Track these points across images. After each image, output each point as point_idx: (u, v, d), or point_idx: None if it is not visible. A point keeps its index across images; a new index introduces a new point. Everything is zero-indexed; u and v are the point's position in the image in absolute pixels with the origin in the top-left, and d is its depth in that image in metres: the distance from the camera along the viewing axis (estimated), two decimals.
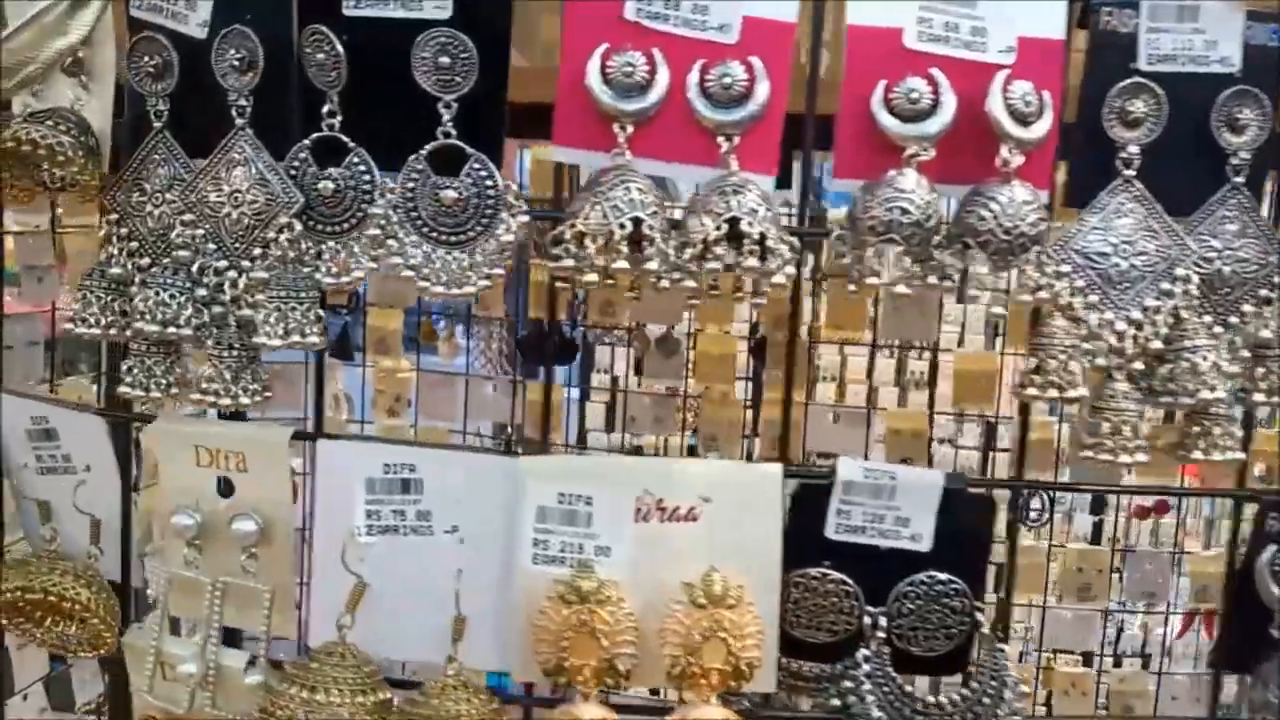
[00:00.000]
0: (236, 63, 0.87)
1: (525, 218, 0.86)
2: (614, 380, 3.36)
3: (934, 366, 2.85)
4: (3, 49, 0.77)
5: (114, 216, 0.93)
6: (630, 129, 0.83)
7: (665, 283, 0.81)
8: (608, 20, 0.83)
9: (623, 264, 0.79)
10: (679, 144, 0.85)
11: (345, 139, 0.87)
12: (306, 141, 0.87)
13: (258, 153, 0.87)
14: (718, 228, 0.79)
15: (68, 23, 0.78)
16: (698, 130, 0.84)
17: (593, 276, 0.80)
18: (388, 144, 0.87)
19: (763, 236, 0.79)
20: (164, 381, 0.92)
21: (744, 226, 0.79)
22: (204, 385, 0.89)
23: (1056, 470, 3.23)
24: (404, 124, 0.86)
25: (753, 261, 0.79)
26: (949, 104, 0.84)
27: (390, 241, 0.87)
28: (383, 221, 0.87)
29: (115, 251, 0.92)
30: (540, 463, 0.89)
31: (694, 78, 0.83)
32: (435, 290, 0.87)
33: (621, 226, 0.79)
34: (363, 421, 2.11)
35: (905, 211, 0.82)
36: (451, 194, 0.85)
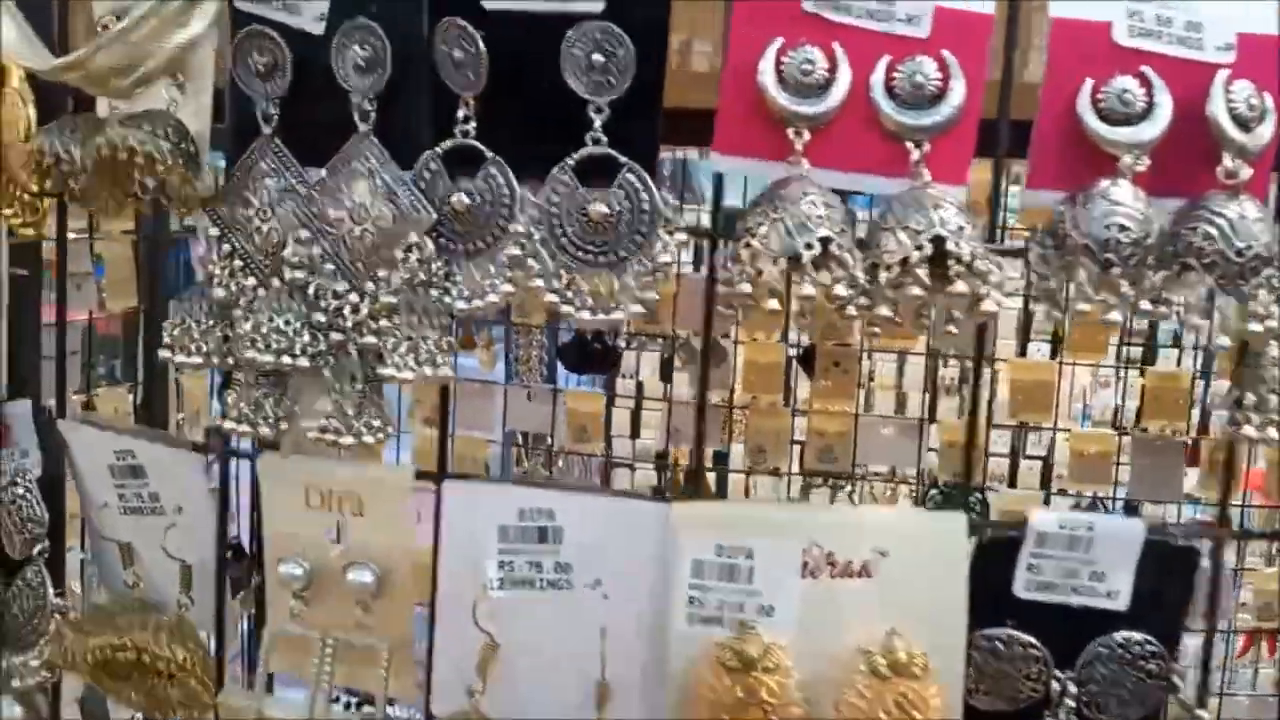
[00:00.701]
0: (360, 62, 0.77)
1: (683, 235, 0.77)
2: (639, 386, 3.27)
3: (992, 377, 2.75)
4: (117, 44, 0.68)
5: (215, 232, 0.84)
6: (807, 134, 0.74)
7: (852, 310, 0.71)
8: (782, 11, 0.74)
9: (810, 290, 0.69)
10: (861, 151, 0.75)
11: (482, 147, 0.77)
12: (438, 150, 0.78)
13: (383, 163, 0.78)
14: (918, 247, 0.69)
15: (190, 12, 0.69)
16: (882, 135, 0.75)
17: (774, 304, 0.70)
18: (529, 153, 0.77)
19: (972, 257, 0.69)
20: (272, 415, 0.83)
21: (950, 246, 0.69)
22: (322, 421, 0.79)
23: (1115, 484, 3.12)
24: (548, 130, 0.77)
25: (962, 286, 0.69)
26: (1164, 106, 0.74)
27: (531, 261, 0.77)
28: (523, 239, 0.77)
29: (218, 271, 0.83)
30: (695, 510, 0.79)
31: (879, 76, 0.74)
32: (581, 316, 0.77)
33: (809, 247, 0.69)
34: (399, 433, 2.02)
35: (1124, 228, 0.72)
36: (602, 209, 0.76)
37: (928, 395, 3.04)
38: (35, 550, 0.98)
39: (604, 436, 3.29)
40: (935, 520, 0.80)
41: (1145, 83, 0.74)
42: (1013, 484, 3.10)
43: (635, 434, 3.42)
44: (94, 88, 0.73)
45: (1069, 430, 3.03)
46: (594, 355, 2.41)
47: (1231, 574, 2.78)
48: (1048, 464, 3.27)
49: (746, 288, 0.70)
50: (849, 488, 3.19)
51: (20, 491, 0.98)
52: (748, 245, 0.71)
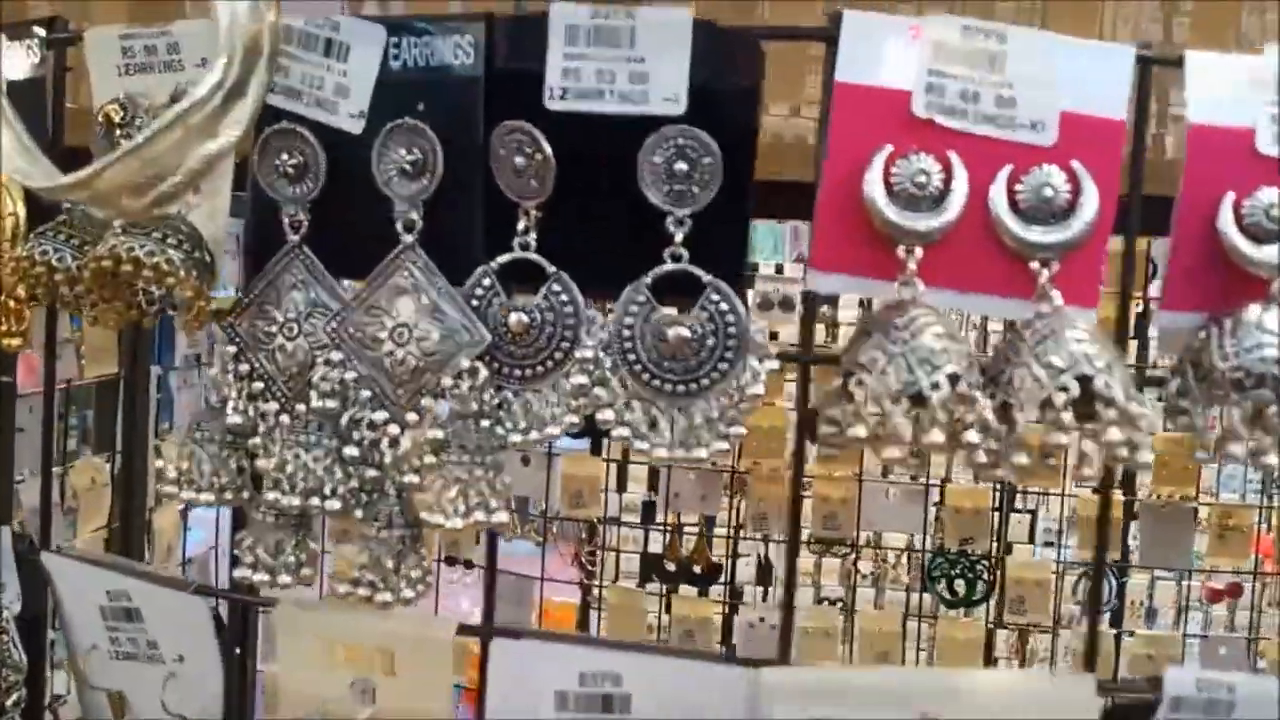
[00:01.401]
0: (408, 165, 0.68)
1: (775, 364, 0.67)
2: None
3: None
4: (132, 159, 0.58)
5: (231, 350, 0.73)
6: (919, 251, 0.65)
7: (982, 456, 0.62)
8: (890, 116, 0.66)
9: (938, 437, 0.60)
10: (979, 270, 0.66)
11: (544, 262, 0.68)
12: (494, 264, 0.69)
13: (430, 277, 0.69)
14: (1061, 388, 0.60)
15: (222, 120, 0.59)
16: (1003, 253, 0.66)
17: (896, 453, 0.60)
18: (598, 268, 0.68)
19: (1126, 399, 0.60)
20: (294, 560, 0.72)
21: (1099, 386, 0.60)
22: (355, 574, 0.69)
23: (1125, 551, 3.05)
24: (621, 243, 0.68)
25: (1117, 434, 0.60)
26: None
27: (599, 390, 0.68)
28: (591, 365, 0.68)
29: (234, 395, 0.73)
30: (788, 677, 0.69)
31: (1000, 188, 0.65)
32: (657, 454, 0.67)
33: (935, 387, 0.60)
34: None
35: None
36: (682, 332, 0.66)
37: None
38: (10, 701, 0.86)
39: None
40: (1060, 686, 0.70)
41: None
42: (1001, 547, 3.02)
43: (622, 488, 3.32)
44: (104, 207, 0.63)
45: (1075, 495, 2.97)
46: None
47: (1246, 642, 2.71)
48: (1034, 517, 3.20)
49: (861, 431, 0.61)
50: (853, 555, 3.10)
51: None
52: (860, 383, 0.61)
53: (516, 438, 0.69)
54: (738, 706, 0.69)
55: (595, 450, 3.18)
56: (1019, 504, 3.10)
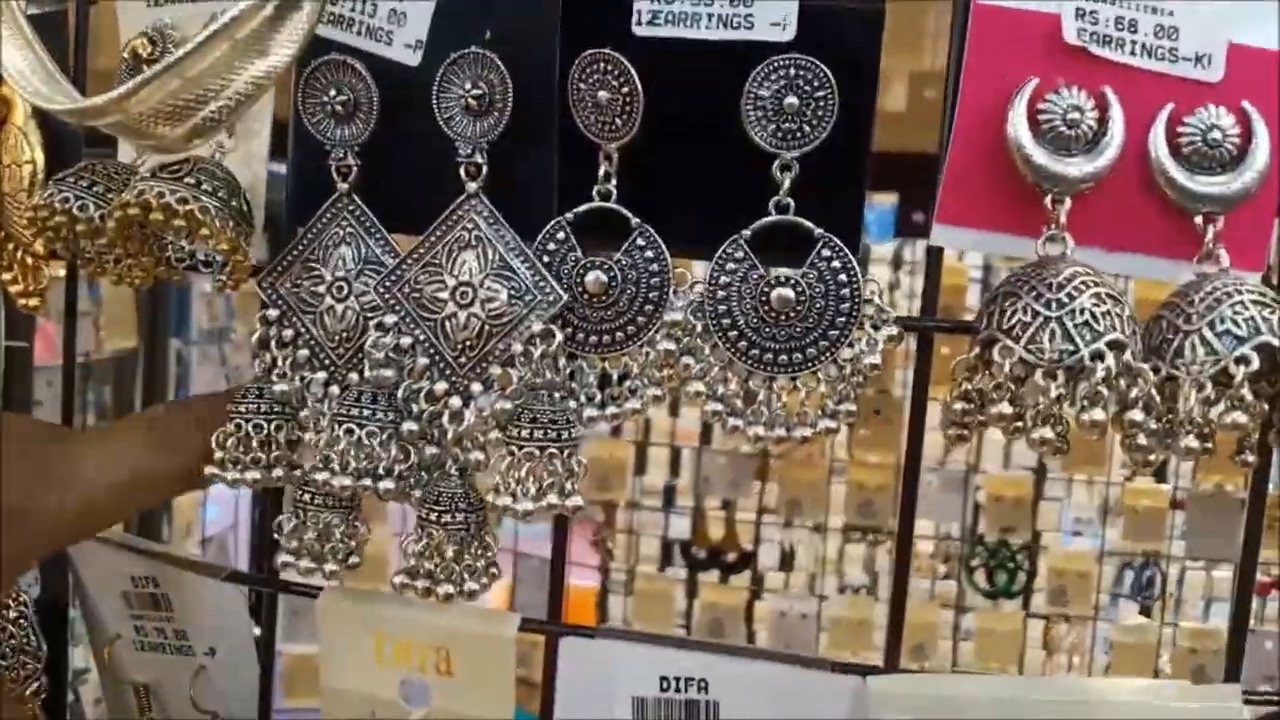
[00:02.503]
0: (473, 101, 0.60)
1: (894, 330, 0.59)
2: (646, 423, 3.10)
3: None
4: (171, 78, 0.50)
5: (274, 313, 0.65)
6: (1068, 201, 0.56)
7: (1144, 439, 0.53)
8: (1033, 43, 0.57)
9: (1100, 415, 0.51)
10: (1134, 224, 0.57)
11: (627, 213, 0.60)
12: (569, 215, 0.60)
13: (497, 230, 0.60)
14: (1240, 359, 0.51)
15: (270, 38, 0.50)
16: (1162, 205, 0.57)
17: (1047, 432, 0.52)
18: (691, 220, 0.60)
19: None
20: (342, 548, 0.64)
21: None
22: (414, 563, 0.61)
23: (1169, 542, 2.95)
24: (718, 191, 0.59)
25: None
26: None
27: (688, 360, 0.60)
28: (680, 331, 0.60)
29: (277, 361, 0.65)
30: (900, 686, 0.61)
31: (1160, 130, 0.57)
32: (754, 433, 0.59)
33: (1098, 357, 0.51)
34: None
35: None
36: (788, 294, 0.58)
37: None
38: (29, 690, 0.79)
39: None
40: (1203, 695, 0.62)
41: None
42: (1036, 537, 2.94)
43: (640, 470, 3.25)
44: (135, 137, 0.55)
45: (1120, 483, 2.87)
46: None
47: None
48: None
49: (1006, 408, 0.52)
50: (888, 544, 3.02)
51: (13, 616, 0.80)
52: (1006, 350, 0.53)
53: (592, 412, 0.61)
54: (837, 715, 0.60)
55: (616, 431, 3.10)
56: (1047, 492, 3.01)
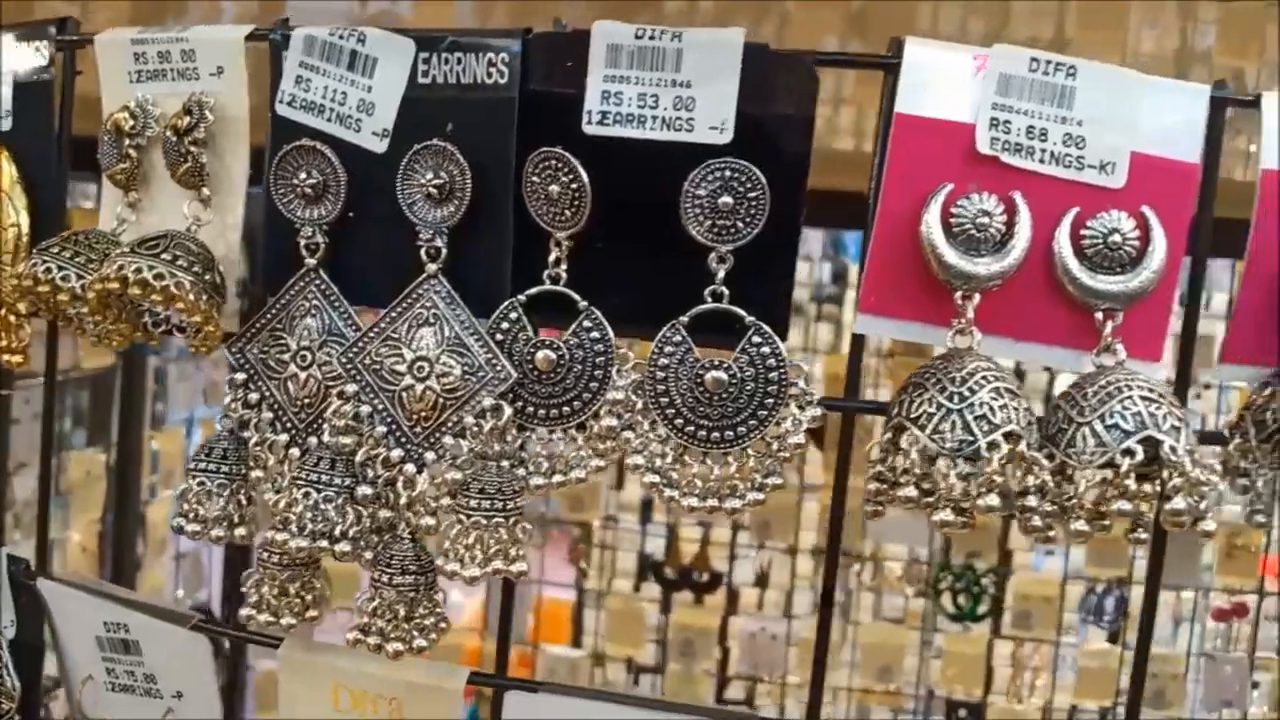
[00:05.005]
0: (433, 189, 0.64)
1: (818, 412, 0.63)
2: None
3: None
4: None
5: (240, 377, 0.69)
6: (977, 297, 0.61)
7: (1038, 521, 0.58)
8: (950, 150, 0.61)
9: (994, 500, 0.56)
10: (1040, 319, 0.62)
11: (575, 296, 0.64)
12: (521, 298, 0.65)
13: (454, 309, 0.65)
14: (1126, 451, 0.56)
15: None
16: (1065, 301, 0.62)
17: (948, 515, 0.57)
18: (633, 305, 0.64)
19: (1192, 465, 0.56)
20: (299, 601, 0.68)
21: (1167, 452, 0.56)
22: (365, 620, 0.65)
23: (1131, 569, 3.01)
24: (658, 280, 0.64)
25: (1181, 503, 0.56)
26: None
27: (629, 434, 0.64)
28: (621, 408, 0.64)
29: (241, 424, 0.69)
30: None
31: (1065, 232, 0.61)
32: (688, 503, 0.64)
33: (994, 447, 0.56)
34: None
35: None
36: (721, 375, 0.62)
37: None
38: None
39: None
40: None
41: None
42: (1004, 560, 2.99)
43: (619, 485, 3.29)
44: None
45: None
46: None
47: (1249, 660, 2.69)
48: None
49: (911, 492, 0.57)
50: (858, 568, 3.07)
51: None
52: (913, 438, 0.57)
53: (539, 481, 0.65)
54: None
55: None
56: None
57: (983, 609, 2.98)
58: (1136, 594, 2.96)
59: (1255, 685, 2.71)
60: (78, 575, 0.83)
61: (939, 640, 3.01)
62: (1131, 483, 0.56)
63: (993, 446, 0.56)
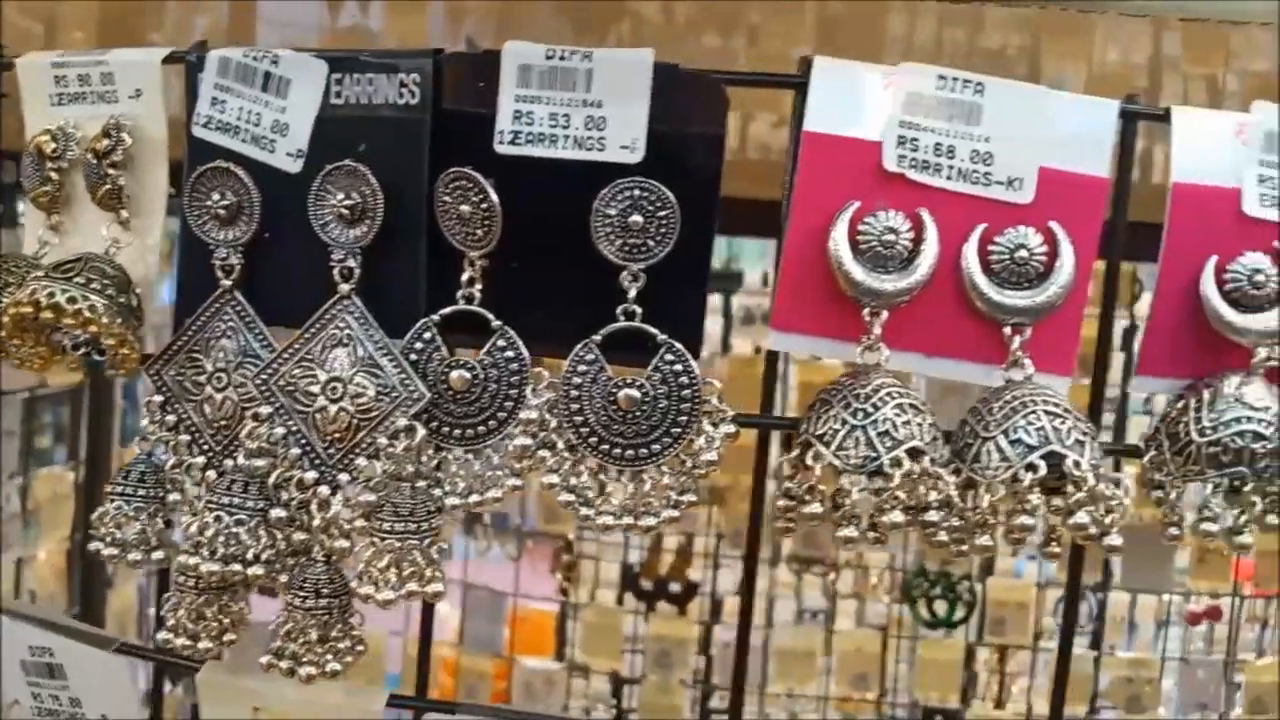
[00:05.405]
0: (345, 210, 0.64)
1: (731, 429, 0.63)
2: None
3: None
4: None
5: (158, 399, 0.69)
6: (885, 314, 0.61)
7: (943, 536, 0.58)
8: (858, 168, 0.62)
9: (898, 517, 0.56)
10: (948, 334, 0.62)
11: (488, 315, 0.64)
12: (435, 317, 0.65)
13: (366, 329, 0.65)
14: (1029, 466, 0.56)
15: None
16: (973, 316, 0.62)
17: (851, 531, 0.57)
18: (546, 324, 0.64)
19: (1095, 480, 0.56)
20: (216, 626, 0.68)
21: (1070, 467, 0.56)
22: (279, 644, 0.65)
23: (1106, 570, 3.03)
24: (571, 299, 0.64)
25: (1084, 518, 0.56)
26: None
27: (544, 454, 0.64)
28: (536, 427, 0.64)
29: (159, 446, 0.69)
30: None
31: (973, 248, 0.62)
32: (603, 522, 0.63)
33: (896, 463, 0.56)
34: None
35: (1259, 436, 0.60)
36: (633, 394, 0.62)
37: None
38: None
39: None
40: None
41: None
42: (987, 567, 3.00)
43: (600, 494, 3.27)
44: None
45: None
46: None
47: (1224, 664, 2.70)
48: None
49: (817, 508, 0.57)
50: (831, 575, 3.07)
51: None
52: (817, 455, 0.57)
53: (455, 501, 0.65)
54: None
55: None
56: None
57: (958, 615, 2.99)
58: (1113, 599, 2.98)
59: (1238, 687, 2.72)
60: (9, 600, 0.83)
61: (915, 647, 3.01)
62: (1034, 498, 0.56)
63: (895, 463, 0.56)
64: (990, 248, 0.62)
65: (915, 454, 0.56)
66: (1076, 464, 0.56)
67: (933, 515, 0.57)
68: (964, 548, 0.59)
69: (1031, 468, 0.56)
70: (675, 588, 3.17)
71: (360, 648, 0.66)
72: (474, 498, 0.65)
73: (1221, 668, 2.71)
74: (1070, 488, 0.56)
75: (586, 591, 3.22)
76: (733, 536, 3.07)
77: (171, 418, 0.69)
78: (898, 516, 0.56)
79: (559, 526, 3.14)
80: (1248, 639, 2.80)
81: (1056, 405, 0.58)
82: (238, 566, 0.63)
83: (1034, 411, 0.58)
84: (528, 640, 3.17)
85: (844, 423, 0.57)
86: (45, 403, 2.69)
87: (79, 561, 2.61)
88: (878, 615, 3.14)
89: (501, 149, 0.63)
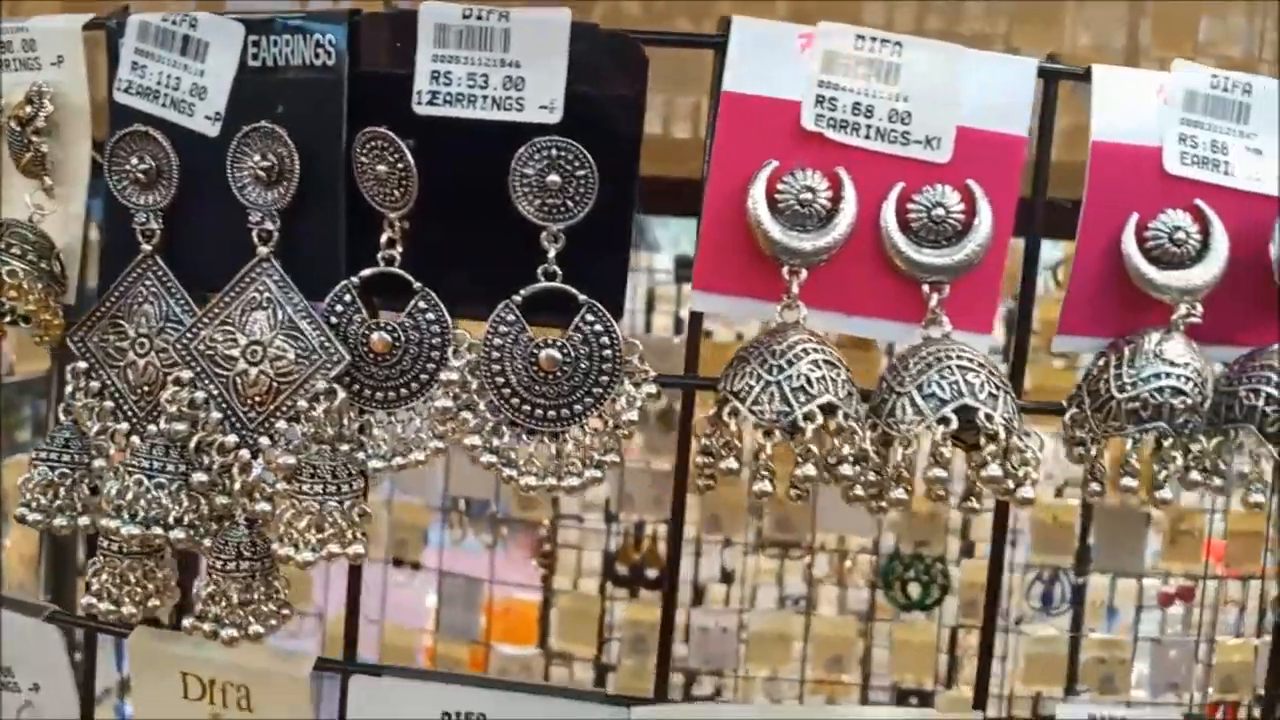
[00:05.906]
0: (261, 172, 0.63)
1: (653, 388, 0.63)
2: None
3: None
4: None
5: (82, 365, 0.69)
6: (804, 273, 0.61)
7: (859, 490, 0.58)
8: (777, 128, 0.62)
9: (810, 470, 0.56)
10: (867, 292, 0.63)
11: (408, 277, 0.64)
12: (355, 280, 0.64)
13: (286, 292, 0.64)
14: (941, 420, 0.57)
15: None
16: (892, 274, 0.62)
17: (767, 486, 0.57)
18: (467, 285, 0.64)
19: (1008, 434, 0.56)
20: (140, 591, 0.68)
21: (981, 419, 0.56)
22: (201, 607, 0.64)
23: (1080, 556, 3.05)
24: (491, 260, 0.64)
25: (995, 470, 0.56)
26: (1220, 249, 0.63)
27: (466, 414, 0.64)
28: (457, 388, 0.64)
29: (82, 413, 0.68)
30: (658, 714, 0.65)
31: (891, 207, 0.62)
32: (526, 482, 0.63)
33: (809, 418, 0.56)
34: None
35: (1178, 392, 0.60)
36: (554, 355, 0.62)
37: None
38: None
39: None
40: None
41: (1200, 219, 0.63)
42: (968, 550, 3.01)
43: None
44: None
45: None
46: None
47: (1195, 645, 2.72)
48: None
49: (734, 464, 0.57)
50: (808, 559, 3.08)
51: None
52: (734, 411, 0.57)
53: (378, 464, 0.64)
54: None
55: None
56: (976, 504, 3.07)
57: (931, 599, 3.00)
58: (1094, 583, 2.99)
59: (1210, 668, 2.74)
60: None
61: (890, 629, 3.02)
62: (947, 450, 0.56)
63: (809, 417, 0.56)
64: (908, 206, 0.62)
65: (830, 409, 0.56)
66: (989, 417, 0.56)
67: (846, 469, 0.57)
68: (881, 503, 0.59)
69: (944, 420, 0.56)
70: (652, 573, 3.18)
71: (285, 611, 0.66)
72: (397, 460, 0.65)
73: (1193, 648, 2.73)
74: (982, 440, 0.57)
75: (569, 579, 3.21)
76: (708, 521, 3.07)
77: (95, 384, 0.68)
78: (810, 470, 0.56)
79: (535, 514, 3.14)
80: (1228, 622, 2.82)
81: (971, 360, 0.59)
82: (159, 530, 0.63)
83: (948, 366, 0.58)
84: (510, 629, 3.17)
85: (759, 379, 0.57)
86: (26, 396, 2.67)
87: (48, 549, 2.59)
88: (859, 601, 3.15)
89: (420, 109, 0.63)
